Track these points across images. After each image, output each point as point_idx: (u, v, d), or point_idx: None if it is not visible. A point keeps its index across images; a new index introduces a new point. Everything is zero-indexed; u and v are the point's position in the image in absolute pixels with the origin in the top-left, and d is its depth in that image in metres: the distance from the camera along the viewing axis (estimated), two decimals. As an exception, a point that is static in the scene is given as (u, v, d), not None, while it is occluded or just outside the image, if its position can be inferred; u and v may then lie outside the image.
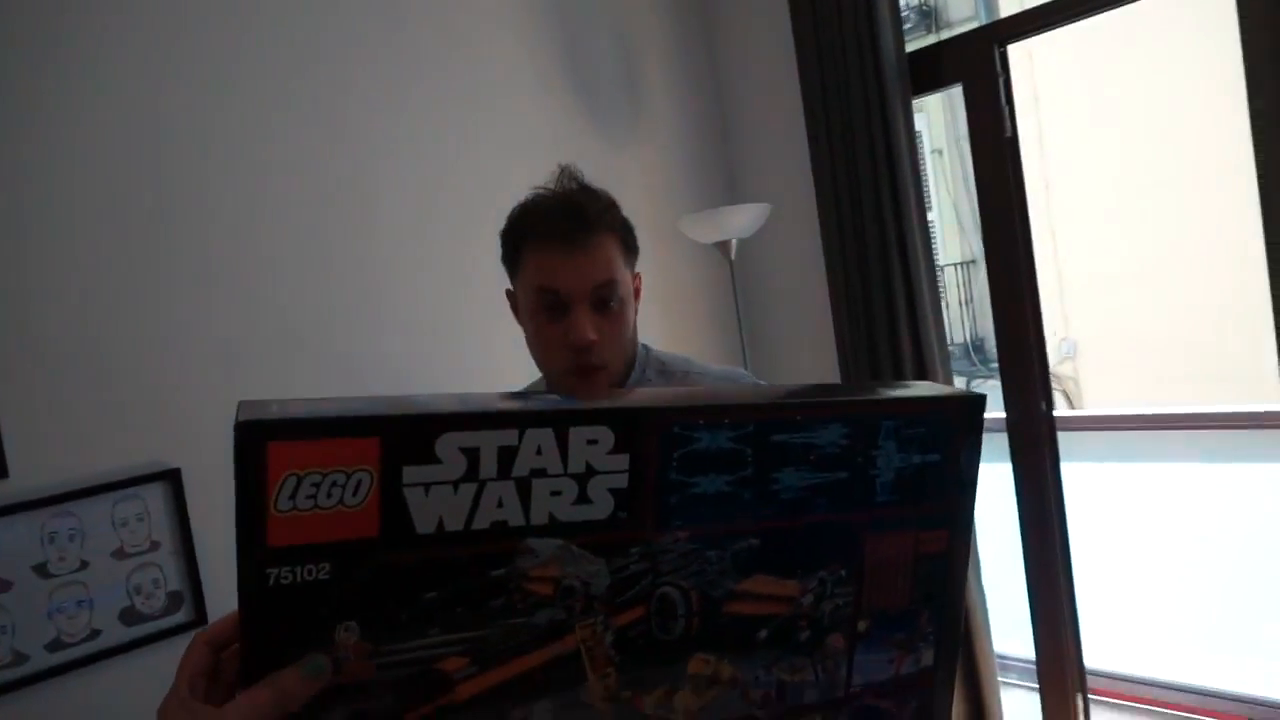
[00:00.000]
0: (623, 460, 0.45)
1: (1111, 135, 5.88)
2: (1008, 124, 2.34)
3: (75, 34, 1.71)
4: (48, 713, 1.60)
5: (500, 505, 0.43)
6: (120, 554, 1.70)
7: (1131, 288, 5.84)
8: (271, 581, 0.42)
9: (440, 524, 0.43)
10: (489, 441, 0.42)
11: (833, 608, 0.52)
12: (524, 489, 0.44)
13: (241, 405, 0.42)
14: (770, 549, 0.50)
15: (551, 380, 1.10)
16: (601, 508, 0.45)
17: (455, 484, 0.42)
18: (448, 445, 0.42)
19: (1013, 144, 2.36)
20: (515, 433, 0.43)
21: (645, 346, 1.16)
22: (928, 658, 0.56)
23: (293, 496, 0.41)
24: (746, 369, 1.24)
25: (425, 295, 2.18)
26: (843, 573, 0.52)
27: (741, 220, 2.39)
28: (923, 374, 2.41)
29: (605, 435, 0.44)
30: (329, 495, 0.41)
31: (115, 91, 1.75)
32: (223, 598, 1.80)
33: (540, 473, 0.44)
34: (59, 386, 1.65)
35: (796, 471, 0.49)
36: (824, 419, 0.50)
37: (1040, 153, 6.33)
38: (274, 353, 1.92)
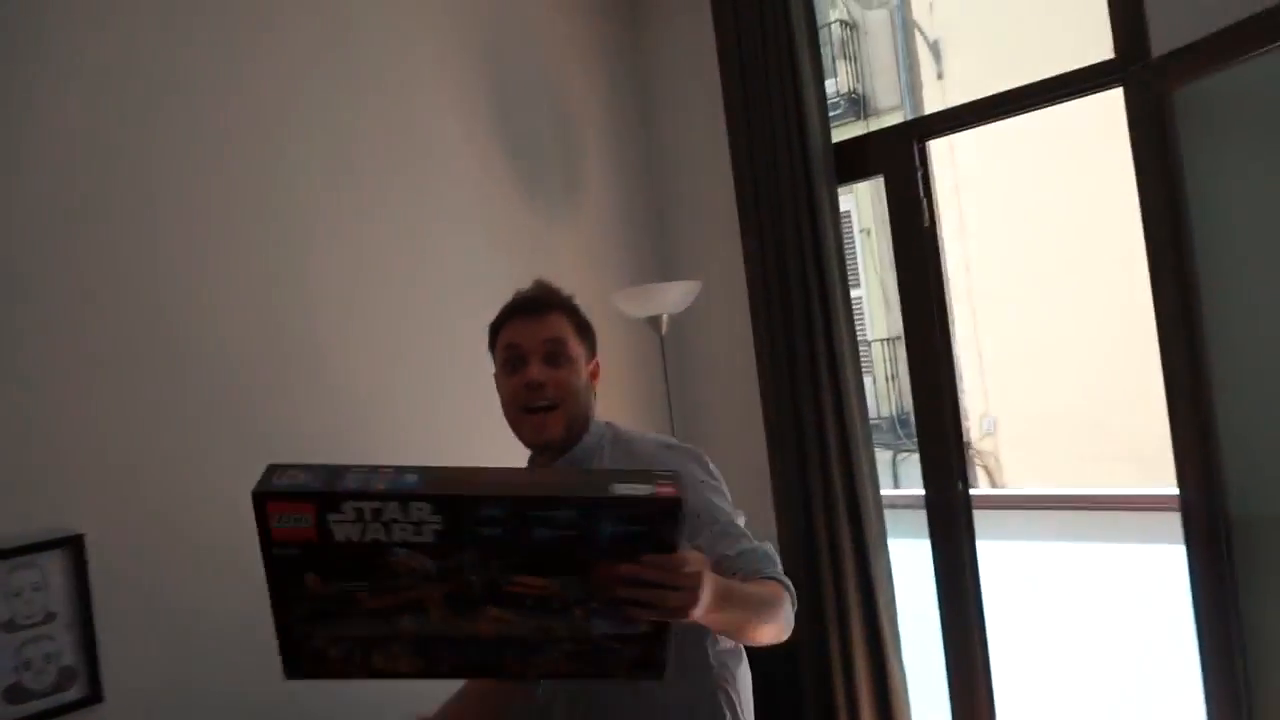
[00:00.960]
0: (438, 518, 0.88)
1: (1026, 222, 6.21)
2: (925, 214, 2.47)
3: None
4: (-84, 800, 1.49)
5: (376, 533, 0.88)
6: (10, 626, 1.61)
7: (1045, 366, 6.11)
8: (275, 554, 0.91)
9: (347, 537, 0.89)
10: (367, 505, 0.88)
11: (572, 595, 0.92)
12: (387, 527, 0.88)
13: (267, 468, 0.92)
14: (531, 564, 0.91)
15: (513, 424, 1.38)
16: (429, 538, 0.89)
17: (353, 522, 0.88)
18: (348, 505, 0.88)
19: (930, 233, 2.48)
20: (381, 503, 0.87)
21: (609, 424, 1.42)
22: (642, 627, 0.95)
23: (280, 521, 0.89)
24: (675, 438, 1.43)
25: (358, 365, 2.17)
26: (577, 579, 0.92)
27: (673, 296, 2.45)
28: (845, 446, 2.46)
29: (426, 507, 0.87)
30: (294, 521, 0.89)
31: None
32: (122, 671, 1.72)
33: (394, 520, 0.88)
34: (-43, 447, 1.59)
35: (546, 529, 0.88)
36: (561, 506, 0.88)
37: (962, 236, 6.63)
38: (196, 416, 1.88)
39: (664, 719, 1.27)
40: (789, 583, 1.31)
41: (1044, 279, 6.14)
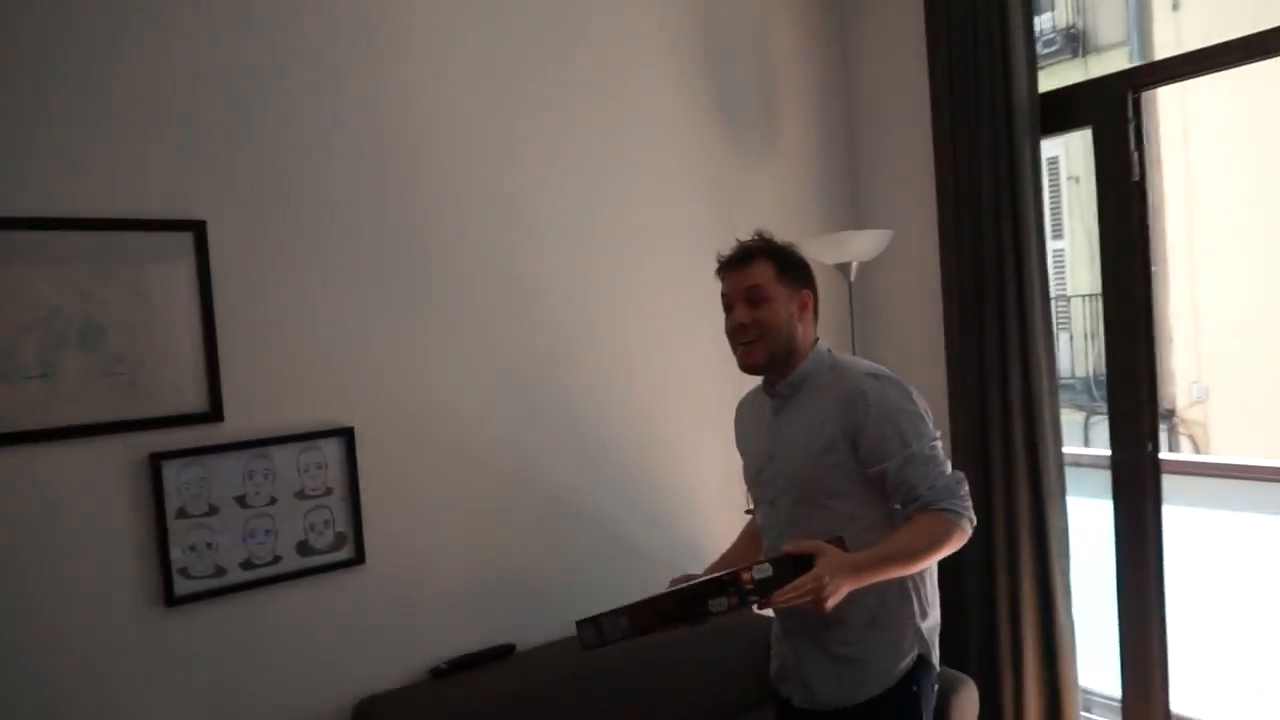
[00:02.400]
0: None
1: (1266, 179, 5.61)
2: (1135, 168, 2.39)
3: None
4: (237, 619, 1.93)
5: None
6: (301, 495, 2.01)
7: (1268, 336, 5.57)
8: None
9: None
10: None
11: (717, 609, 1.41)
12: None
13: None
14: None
15: (734, 353, 1.65)
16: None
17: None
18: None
19: (1139, 187, 2.40)
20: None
21: (828, 351, 1.65)
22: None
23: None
24: (885, 367, 1.64)
25: (583, 298, 2.44)
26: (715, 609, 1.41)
27: (864, 244, 2.53)
28: (1029, 404, 2.47)
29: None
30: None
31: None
32: (380, 541, 2.09)
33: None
34: (267, 349, 1.98)
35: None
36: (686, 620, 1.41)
37: (1185, 192, 6.09)
38: (443, 332, 2.20)
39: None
40: (962, 509, 1.48)
41: (1277, 241, 5.56)
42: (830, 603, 1.35)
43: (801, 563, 1.38)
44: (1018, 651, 2.52)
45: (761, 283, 1.57)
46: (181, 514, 1.86)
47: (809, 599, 1.34)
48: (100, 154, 1.80)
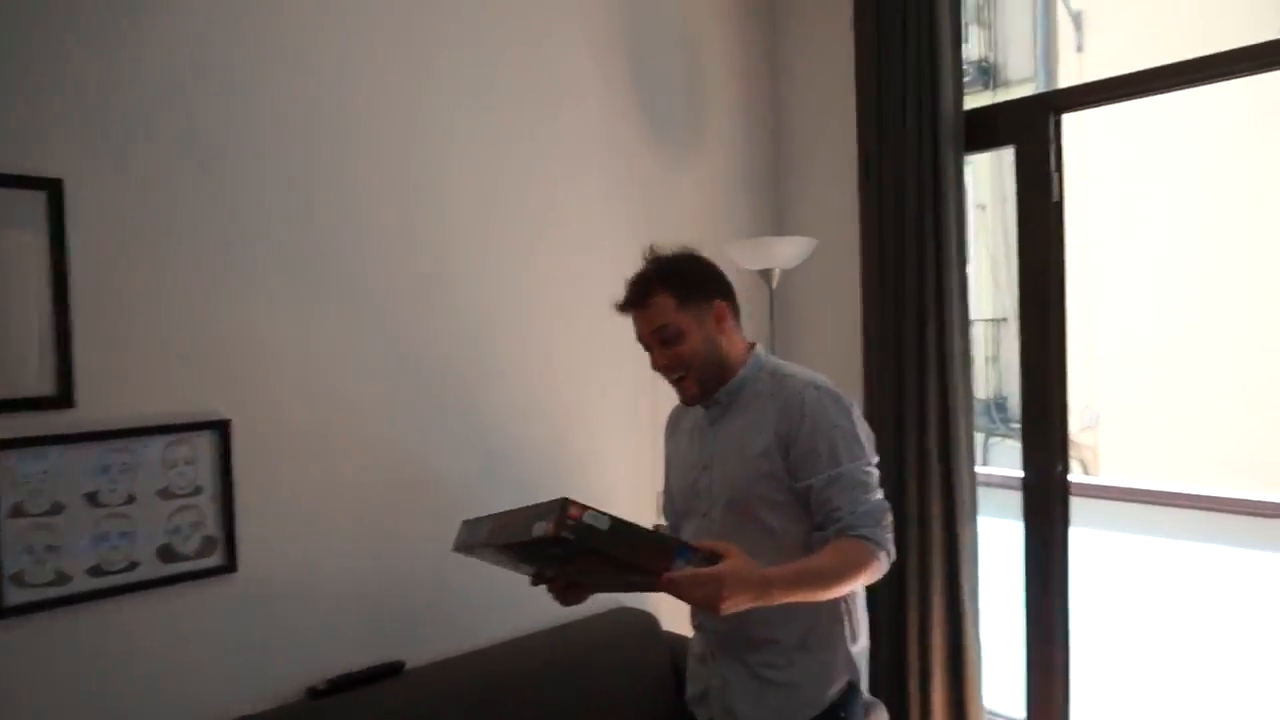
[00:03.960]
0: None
1: (1157, 211, 5.90)
2: (1055, 189, 2.40)
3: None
4: (82, 633, 1.69)
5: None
6: (166, 494, 1.79)
7: (1159, 365, 5.84)
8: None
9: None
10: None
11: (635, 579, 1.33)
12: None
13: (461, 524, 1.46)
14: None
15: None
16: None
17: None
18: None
19: (1058, 208, 2.42)
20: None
21: (766, 355, 1.57)
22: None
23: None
24: (825, 378, 1.55)
25: (484, 283, 2.28)
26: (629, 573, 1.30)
27: (786, 251, 2.47)
28: (946, 425, 2.45)
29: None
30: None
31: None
32: (255, 546, 1.89)
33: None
34: (130, 327, 1.75)
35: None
36: (528, 545, 1.25)
37: (1083, 221, 6.35)
38: (336, 320, 2.02)
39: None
40: (882, 539, 1.39)
41: (1169, 273, 5.84)
42: (725, 607, 1.22)
43: (711, 560, 1.26)
44: (925, 672, 2.49)
45: (666, 320, 1.49)
46: (18, 512, 1.62)
47: (700, 595, 1.22)
48: (-63, 94, 1.56)
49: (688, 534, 1.60)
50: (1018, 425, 2.55)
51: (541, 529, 1.17)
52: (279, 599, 1.93)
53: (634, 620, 2.40)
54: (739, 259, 2.50)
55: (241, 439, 1.88)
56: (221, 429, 1.85)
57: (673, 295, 1.49)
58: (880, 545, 1.40)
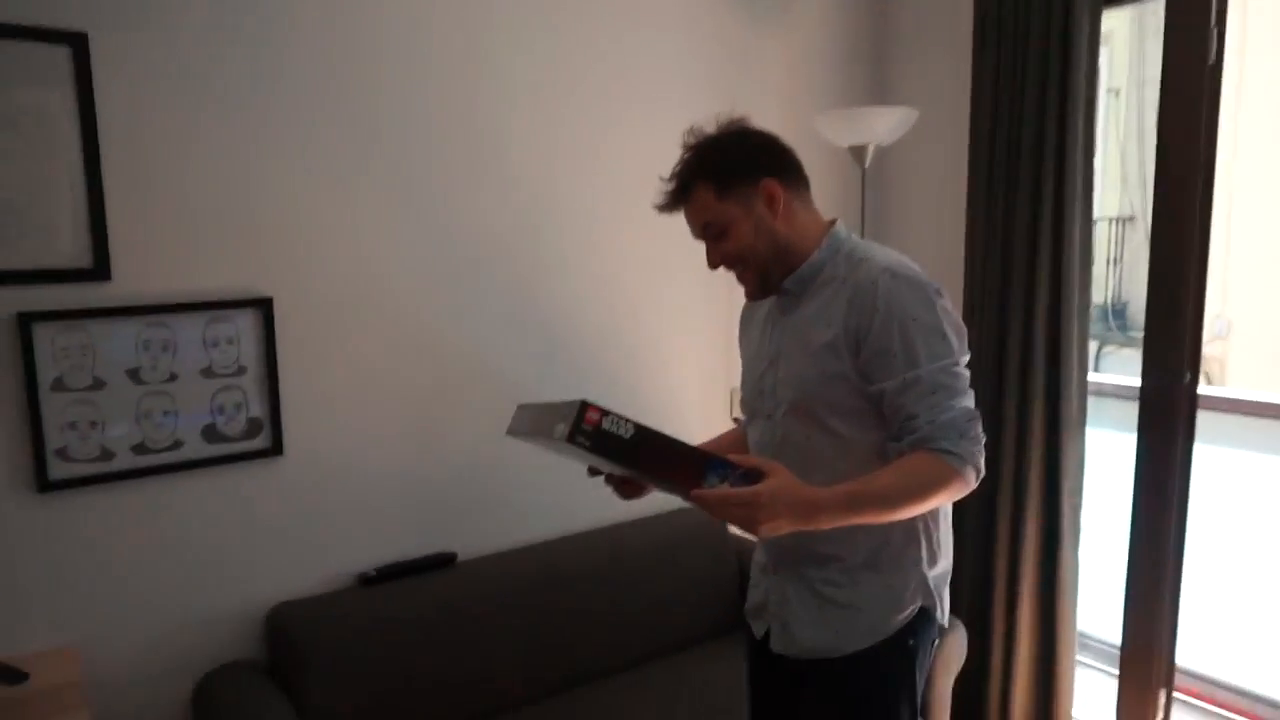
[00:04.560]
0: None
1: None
2: (1213, 49, 2.03)
3: None
4: (128, 511, 1.67)
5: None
6: (208, 373, 1.73)
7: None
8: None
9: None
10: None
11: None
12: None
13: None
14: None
15: None
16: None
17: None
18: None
19: (1214, 73, 2.05)
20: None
21: (848, 235, 1.37)
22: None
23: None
24: (910, 261, 1.34)
25: (554, 166, 2.11)
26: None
27: (884, 124, 2.18)
28: (1055, 334, 2.22)
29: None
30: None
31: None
32: (301, 430, 1.83)
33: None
34: (167, 198, 1.66)
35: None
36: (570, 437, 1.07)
37: (1235, 108, 5.63)
38: (384, 196, 1.88)
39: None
40: (967, 452, 1.20)
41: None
42: (764, 531, 1.12)
43: (751, 477, 1.14)
44: (1013, 593, 2.31)
45: (710, 218, 1.33)
46: (59, 386, 1.58)
47: (735, 516, 1.12)
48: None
49: (753, 438, 1.45)
50: (1136, 334, 2.26)
51: (560, 431, 1.07)
52: (327, 485, 1.87)
53: (699, 522, 2.28)
54: (828, 132, 2.23)
55: (285, 320, 1.79)
56: (264, 308, 1.76)
57: (711, 185, 1.31)
58: (965, 460, 1.19)
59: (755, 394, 1.43)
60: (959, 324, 1.27)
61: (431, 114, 1.93)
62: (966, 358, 1.27)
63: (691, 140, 1.35)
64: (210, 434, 1.74)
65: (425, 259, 1.96)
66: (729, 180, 1.30)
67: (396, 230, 1.91)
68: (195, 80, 1.66)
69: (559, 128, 2.11)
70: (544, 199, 2.11)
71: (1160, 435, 2.19)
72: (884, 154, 2.32)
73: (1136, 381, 2.21)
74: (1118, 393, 2.54)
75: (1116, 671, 2.31)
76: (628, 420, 1.09)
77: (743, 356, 1.53)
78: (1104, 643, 2.52)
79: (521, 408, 1.28)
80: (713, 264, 1.37)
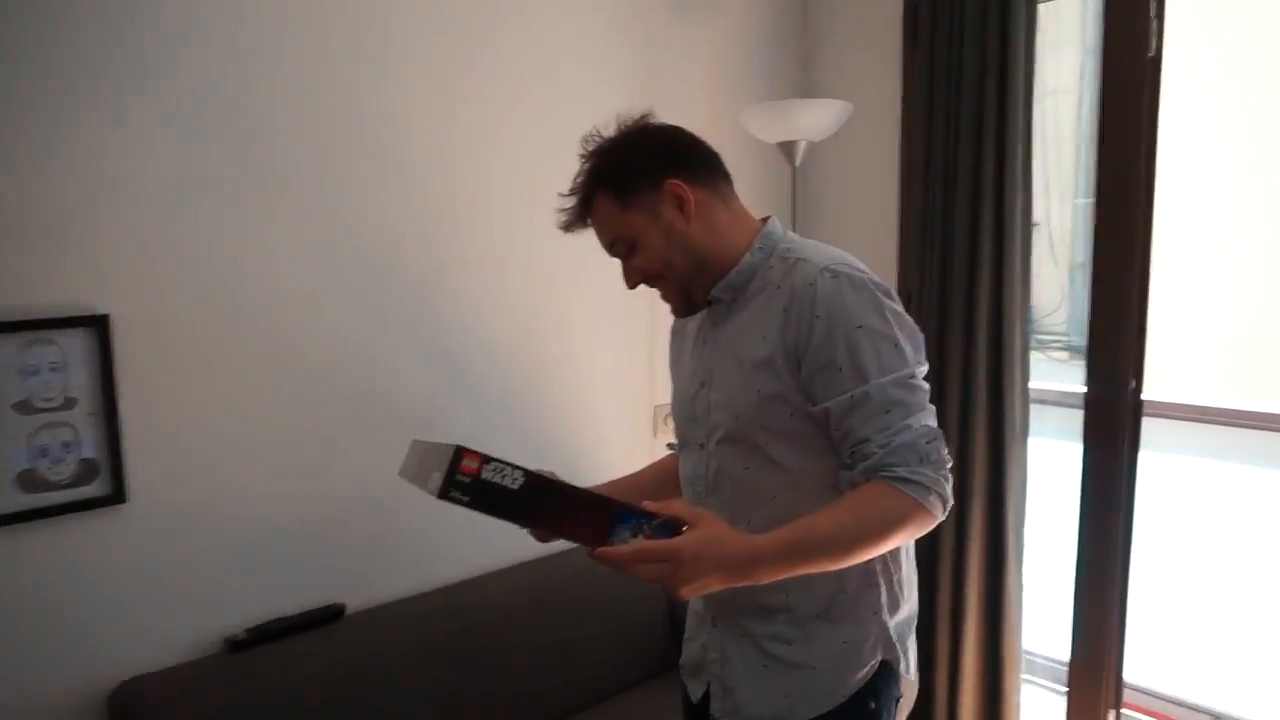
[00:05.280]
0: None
1: (1238, 109, 5.27)
2: (1153, 40, 1.94)
3: None
4: (-82, 580, 1.36)
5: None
6: (24, 407, 1.43)
7: (1222, 277, 5.32)
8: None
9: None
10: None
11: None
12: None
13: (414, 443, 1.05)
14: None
15: None
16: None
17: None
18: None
19: (1154, 66, 1.96)
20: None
21: (776, 234, 1.19)
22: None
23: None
24: (852, 259, 1.15)
25: (457, 161, 1.88)
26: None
27: (815, 118, 2.03)
28: (998, 340, 2.13)
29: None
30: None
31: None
32: (150, 472, 1.54)
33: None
34: (-36, 196, 1.36)
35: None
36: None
37: (1170, 99, 5.71)
38: (251, 196, 1.62)
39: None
40: (929, 479, 1.02)
41: (1244, 180, 5.25)
42: (685, 591, 0.95)
43: (670, 528, 0.96)
44: (958, 612, 2.22)
45: (617, 232, 1.18)
46: None
47: (652, 574, 0.94)
48: None
49: (684, 470, 1.25)
50: (1043, 337, 2.18)
51: (435, 483, 0.89)
52: (183, 535, 1.59)
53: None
54: (756, 128, 2.07)
55: (126, 341, 1.51)
56: (99, 326, 1.48)
57: (611, 194, 1.16)
58: (927, 489, 1.01)
59: (687, 420, 1.24)
60: (913, 329, 1.09)
61: (314, 103, 1.68)
62: (924, 368, 1.09)
63: (589, 148, 1.19)
64: (29, 481, 1.44)
65: (304, 267, 1.69)
66: (628, 186, 1.15)
67: (269, 234, 1.65)
68: (33, 47, 1.37)
69: (457, 126, 1.88)
70: (442, 201, 1.87)
71: (1105, 445, 2.11)
72: (816, 151, 2.17)
73: (1072, 389, 2.12)
74: (1053, 399, 2.45)
75: (1065, 689, 2.22)
76: (516, 467, 0.91)
77: (673, 377, 1.33)
78: (1051, 660, 2.42)
79: (415, 444, 1.06)
80: (631, 284, 1.21)
